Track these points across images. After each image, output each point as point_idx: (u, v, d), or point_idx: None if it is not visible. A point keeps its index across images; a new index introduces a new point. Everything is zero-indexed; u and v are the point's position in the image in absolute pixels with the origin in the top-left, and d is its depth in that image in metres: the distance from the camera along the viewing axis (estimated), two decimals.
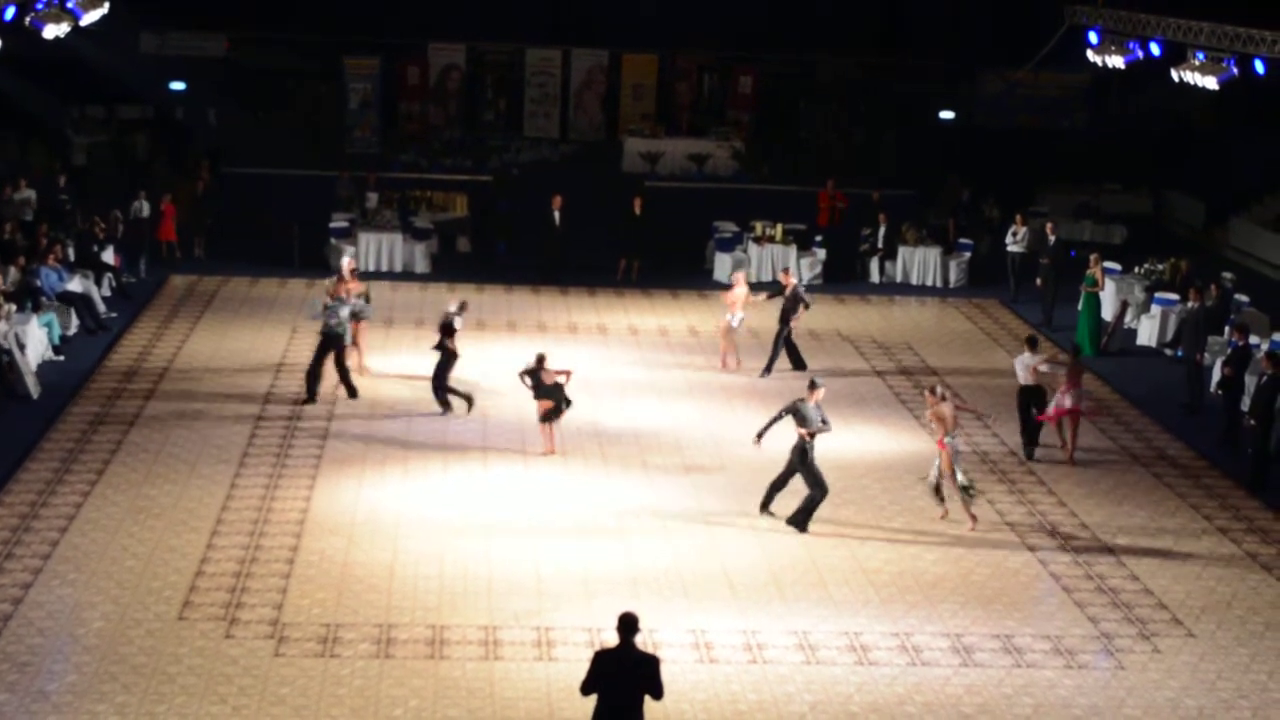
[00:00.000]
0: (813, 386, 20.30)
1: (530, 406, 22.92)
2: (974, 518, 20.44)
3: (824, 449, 22.57)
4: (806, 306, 27.12)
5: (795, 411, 19.98)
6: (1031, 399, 23.32)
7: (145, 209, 32.73)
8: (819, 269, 34.20)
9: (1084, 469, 23.08)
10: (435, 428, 23.66)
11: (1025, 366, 23.37)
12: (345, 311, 24.46)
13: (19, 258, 27.74)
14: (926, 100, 41.56)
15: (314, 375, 24.38)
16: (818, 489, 19.99)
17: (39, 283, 27.32)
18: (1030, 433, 23.38)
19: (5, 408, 23.54)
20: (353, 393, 24.68)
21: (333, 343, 24.36)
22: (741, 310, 27.06)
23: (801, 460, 19.97)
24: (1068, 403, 23.06)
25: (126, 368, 25.99)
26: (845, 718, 15.59)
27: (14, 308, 25.69)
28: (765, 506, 20.45)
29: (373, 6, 41.29)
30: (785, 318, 26.96)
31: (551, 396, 22.46)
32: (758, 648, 16.91)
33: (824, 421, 20.08)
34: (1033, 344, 23.74)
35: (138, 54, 39.95)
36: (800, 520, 20.02)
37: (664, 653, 16.18)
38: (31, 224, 30.78)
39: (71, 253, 29.78)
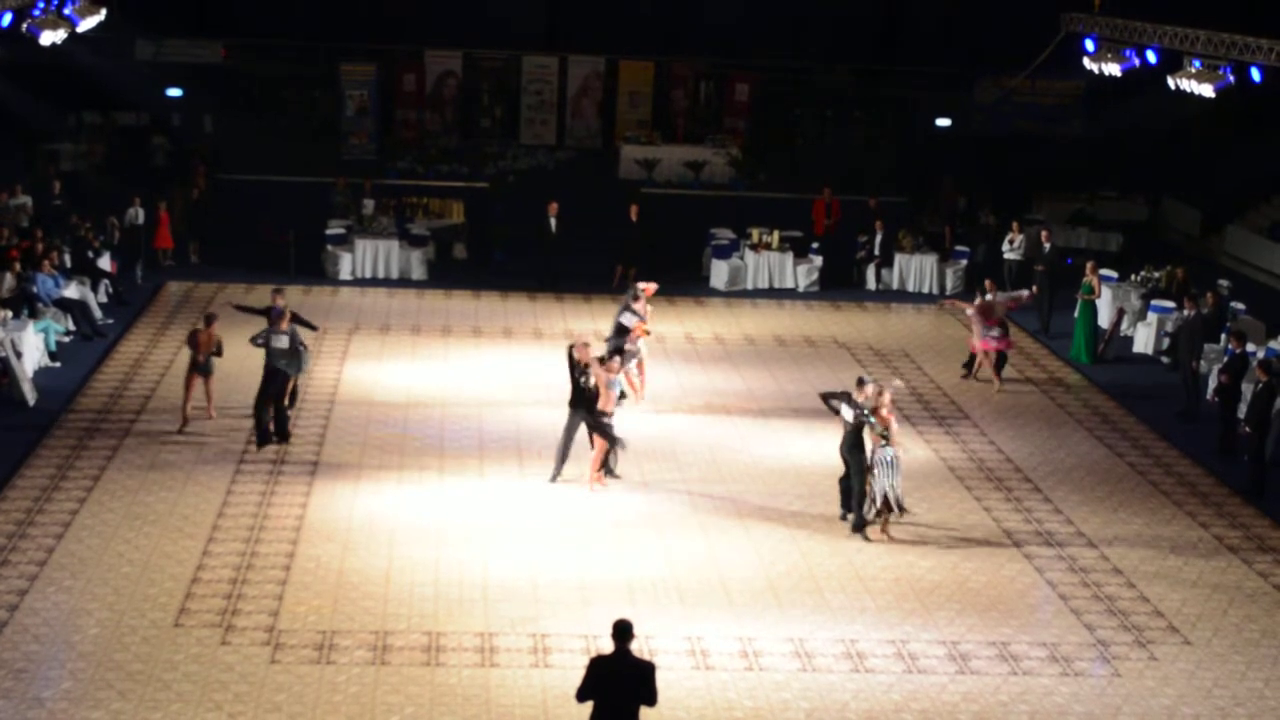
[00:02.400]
0: (860, 384, 20.25)
1: (526, 415, 22.91)
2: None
3: (820, 456, 22.58)
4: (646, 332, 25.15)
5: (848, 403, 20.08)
6: None
7: (140, 215, 32.71)
8: (816, 276, 34.24)
9: (1080, 476, 23.10)
10: (431, 434, 23.65)
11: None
12: (283, 342, 22.72)
13: (15, 264, 27.74)
14: (923, 108, 41.57)
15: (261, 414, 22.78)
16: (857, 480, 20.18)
17: (35, 289, 27.32)
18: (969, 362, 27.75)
19: (1, 414, 23.52)
20: (283, 436, 22.82)
21: (276, 377, 22.78)
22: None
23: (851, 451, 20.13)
24: (994, 339, 27.18)
25: (122, 374, 25.97)
26: None
27: (10, 314, 25.69)
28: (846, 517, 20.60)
29: (369, 14, 41.29)
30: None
31: (603, 431, 21.27)
32: (754, 655, 16.90)
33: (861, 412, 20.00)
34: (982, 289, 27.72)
35: (134, 61, 39.95)
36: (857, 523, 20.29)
37: (660, 660, 16.18)
38: (28, 230, 30.77)
39: (68, 259, 29.76)
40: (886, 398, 20.10)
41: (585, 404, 21.29)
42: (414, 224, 35.00)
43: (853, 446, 20.07)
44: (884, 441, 19.87)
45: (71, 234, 30.86)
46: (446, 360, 27.80)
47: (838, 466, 21.30)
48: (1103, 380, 28.17)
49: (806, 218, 35.40)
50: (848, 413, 19.99)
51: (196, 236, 34.14)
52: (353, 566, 18.69)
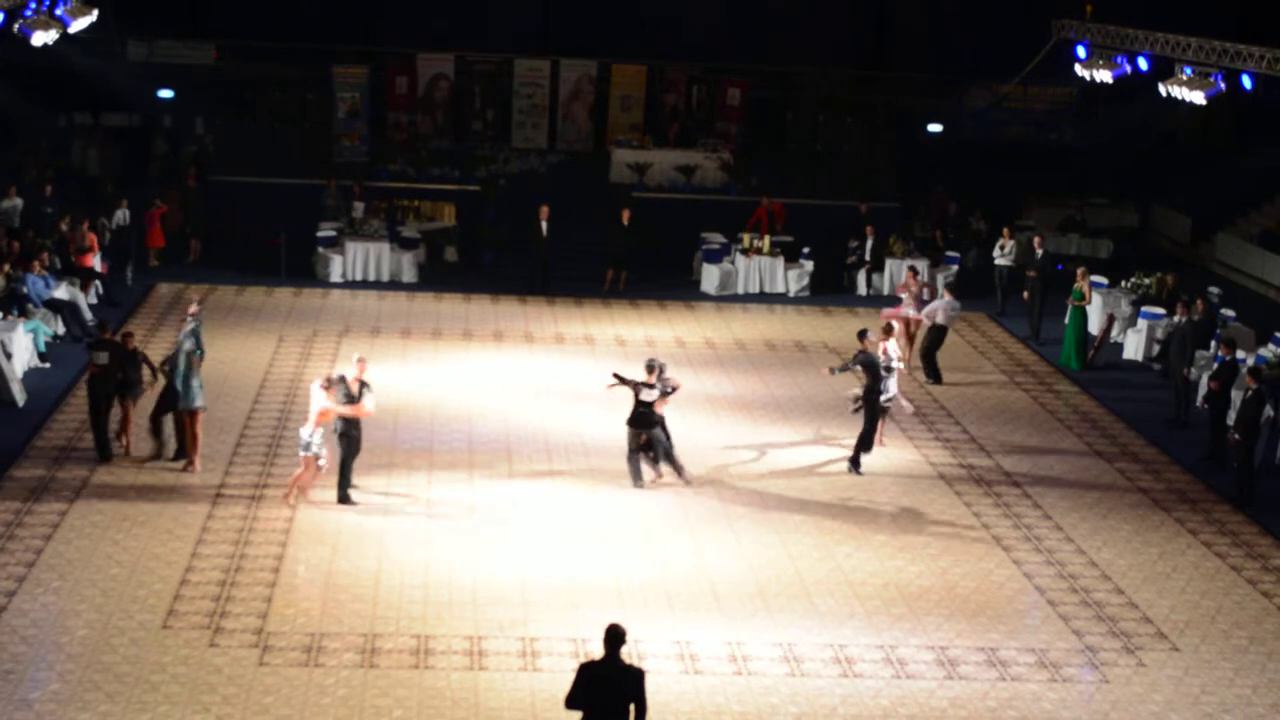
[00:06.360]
0: (863, 336, 23.60)
1: (516, 418, 22.82)
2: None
3: (809, 460, 22.60)
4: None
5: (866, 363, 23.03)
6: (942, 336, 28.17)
7: (128, 217, 32.64)
8: (806, 281, 34.25)
9: (1070, 481, 23.12)
10: (420, 437, 23.63)
11: (955, 311, 28.25)
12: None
13: (5, 265, 27.70)
14: (915, 113, 41.61)
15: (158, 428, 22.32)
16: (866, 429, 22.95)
17: (25, 290, 27.27)
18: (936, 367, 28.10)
19: None
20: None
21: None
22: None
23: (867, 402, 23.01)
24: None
25: None
26: None
27: (0, 315, 25.65)
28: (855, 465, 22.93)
29: (361, 16, 41.27)
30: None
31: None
32: (743, 659, 16.90)
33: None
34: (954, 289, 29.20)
35: (126, 62, 39.92)
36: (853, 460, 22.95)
37: (649, 664, 16.17)
38: (19, 231, 30.72)
39: (58, 260, 29.72)
40: (889, 341, 24.07)
41: (643, 420, 21.58)
42: (405, 226, 34.98)
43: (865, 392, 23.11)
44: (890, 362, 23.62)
45: (58, 235, 30.79)
46: (437, 363, 27.78)
47: (828, 472, 21.38)
48: (1093, 386, 28.20)
49: (799, 221, 35.42)
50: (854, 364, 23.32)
51: (197, 235, 34.14)
52: (342, 569, 18.67)
